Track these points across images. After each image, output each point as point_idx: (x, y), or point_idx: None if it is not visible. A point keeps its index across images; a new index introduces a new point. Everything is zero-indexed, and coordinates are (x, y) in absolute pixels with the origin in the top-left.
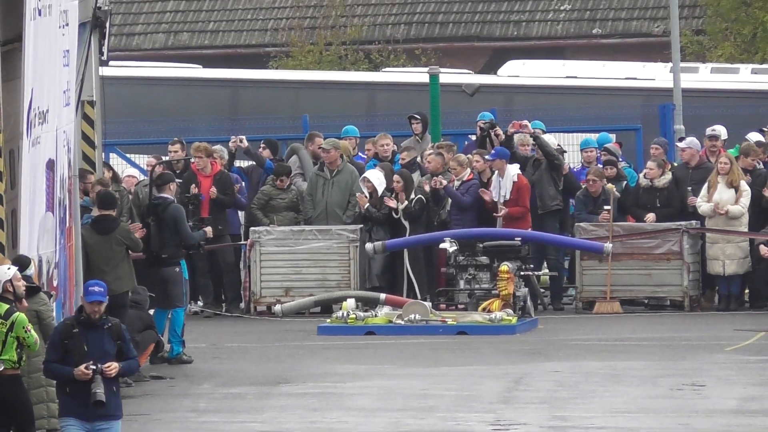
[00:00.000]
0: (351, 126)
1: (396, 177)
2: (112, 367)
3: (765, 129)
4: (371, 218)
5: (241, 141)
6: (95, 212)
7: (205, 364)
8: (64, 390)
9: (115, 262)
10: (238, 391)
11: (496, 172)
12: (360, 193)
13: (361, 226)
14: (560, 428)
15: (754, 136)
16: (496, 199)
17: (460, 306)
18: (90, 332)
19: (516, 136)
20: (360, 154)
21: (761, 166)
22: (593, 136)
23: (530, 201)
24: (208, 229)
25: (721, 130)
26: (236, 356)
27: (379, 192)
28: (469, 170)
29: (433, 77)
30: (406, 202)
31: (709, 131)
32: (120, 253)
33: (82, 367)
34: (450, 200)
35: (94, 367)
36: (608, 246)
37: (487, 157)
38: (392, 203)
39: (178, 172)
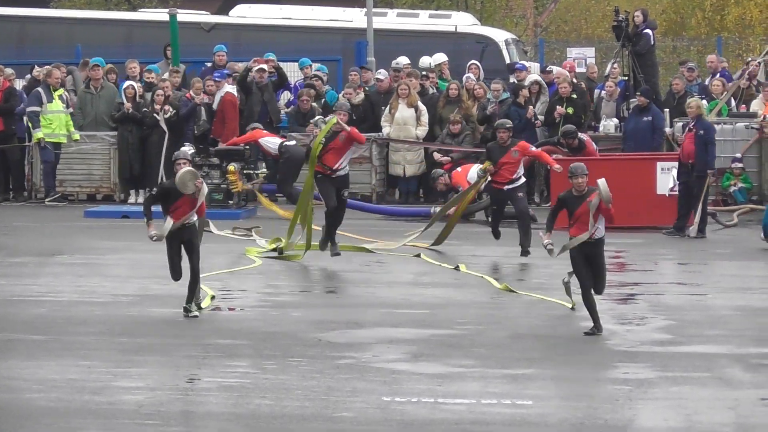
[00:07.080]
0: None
1: (159, 92)
2: None
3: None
4: (134, 119)
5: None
6: None
7: None
8: None
9: None
10: (21, 261)
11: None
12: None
13: (117, 132)
14: (273, 294)
15: (439, 58)
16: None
17: None
18: None
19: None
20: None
21: (434, 90)
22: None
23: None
24: None
25: (403, 61)
26: (20, 233)
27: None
28: None
29: (173, 17)
30: (169, 113)
31: (394, 64)
32: None
33: None
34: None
35: None
36: None
37: (215, 78)
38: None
39: None
